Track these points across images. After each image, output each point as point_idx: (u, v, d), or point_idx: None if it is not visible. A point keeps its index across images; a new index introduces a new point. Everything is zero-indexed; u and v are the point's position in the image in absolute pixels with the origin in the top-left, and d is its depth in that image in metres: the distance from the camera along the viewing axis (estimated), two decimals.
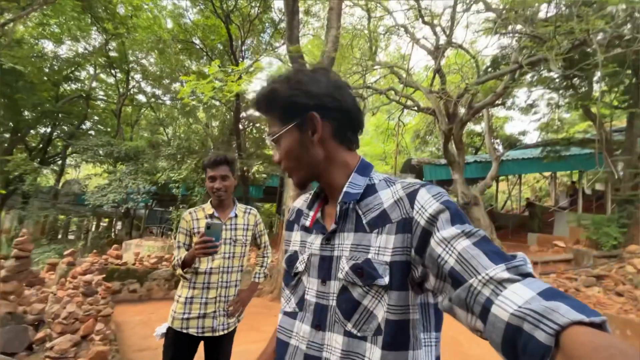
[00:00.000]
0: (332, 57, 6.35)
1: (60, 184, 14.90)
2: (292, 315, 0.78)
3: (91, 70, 15.31)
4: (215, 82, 7.16)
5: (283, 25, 12.43)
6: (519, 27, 9.50)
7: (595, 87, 13.13)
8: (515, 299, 0.43)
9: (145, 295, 5.34)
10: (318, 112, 0.70)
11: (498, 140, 18.61)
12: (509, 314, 0.42)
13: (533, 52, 8.48)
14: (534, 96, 15.56)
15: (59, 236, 14.14)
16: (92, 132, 16.03)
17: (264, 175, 13.15)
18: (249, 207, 2.09)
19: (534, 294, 0.42)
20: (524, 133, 19.88)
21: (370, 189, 0.72)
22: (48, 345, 2.35)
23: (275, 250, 8.06)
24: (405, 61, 14.08)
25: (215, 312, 1.87)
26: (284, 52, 14.52)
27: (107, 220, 19.96)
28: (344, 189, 0.71)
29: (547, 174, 17.19)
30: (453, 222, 0.57)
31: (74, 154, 13.97)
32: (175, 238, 2.03)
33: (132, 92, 15.26)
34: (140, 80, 14.98)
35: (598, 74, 12.60)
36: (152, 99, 15.44)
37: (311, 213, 0.82)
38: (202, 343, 1.91)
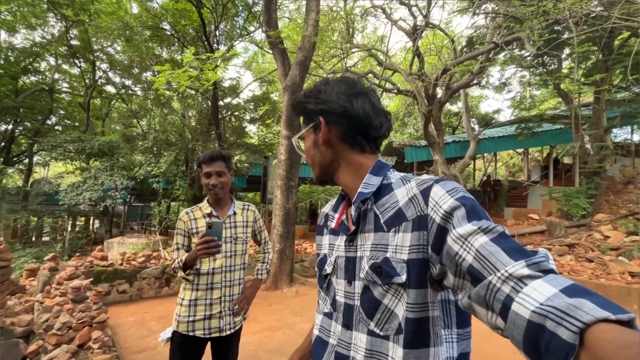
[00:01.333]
0: (313, 42, 6.21)
1: (29, 184, 14.10)
2: (329, 315, 0.81)
3: (52, 60, 14.30)
4: (191, 71, 6.88)
5: (258, 8, 11.96)
6: (493, 7, 9.60)
7: (564, 64, 13.62)
8: (536, 296, 0.42)
9: (136, 295, 5.24)
10: (323, 116, 0.77)
11: (474, 120, 19.11)
12: (531, 312, 0.41)
13: (510, 32, 8.63)
14: (506, 75, 15.97)
15: (33, 239, 13.48)
16: (59, 128, 15.13)
17: (247, 165, 12.95)
18: (246, 203, 2.06)
19: (557, 291, 0.41)
20: (498, 111, 20.48)
21: (387, 188, 0.73)
22: (44, 358, 2.28)
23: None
24: (383, 43, 14.01)
25: (221, 312, 1.86)
26: (260, 37, 14.05)
27: (83, 219, 19.18)
28: (358, 190, 0.73)
29: (520, 150, 17.89)
30: (469, 218, 0.56)
31: (41, 152, 13.18)
32: (166, 241, 1.94)
33: (99, 83, 14.41)
34: (108, 70, 14.13)
35: (566, 51, 13.02)
36: (123, 90, 14.65)
37: (336, 215, 0.85)
38: (209, 344, 1.91)
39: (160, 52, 12.33)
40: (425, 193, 0.64)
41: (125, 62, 12.69)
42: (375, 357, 0.68)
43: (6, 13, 12.07)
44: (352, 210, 0.74)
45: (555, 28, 9.21)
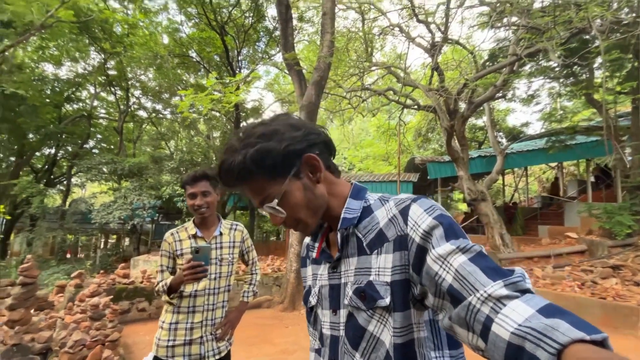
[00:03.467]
0: (328, 62, 6.33)
1: (67, 204, 15.04)
2: (318, 352, 0.78)
3: (91, 89, 15.51)
4: (214, 94, 7.19)
5: (278, 33, 12.48)
6: (514, 19, 9.43)
7: (597, 73, 12.98)
8: (514, 317, 0.43)
9: (154, 314, 5.31)
10: (311, 151, 0.68)
11: (501, 133, 18.45)
12: (510, 333, 0.42)
13: (531, 43, 8.38)
14: (534, 87, 15.43)
15: (68, 256, 14.22)
16: (96, 151, 16.18)
17: None
18: (234, 222, 1.99)
19: (534, 311, 0.42)
20: (526, 124, 19.67)
21: (367, 211, 0.71)
22: None
23: (282, 259, 8.00)
24: (402, 60, 14.05)
25: (202, 337, 1.76)
26: (280, 60, 14.57)
27: (114, 237, 20.08)
28: (342, 216, 0.70)
29: (553, 164, 16.96)
30: (447, 237, 0.56)
31: (79, 173, 14.09)
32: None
33: (132, 108, 15.41)
34: (140, 96, 15.12)
35: (599, 60, 12.46)
36: (153, 114, 15.56)
37: (316, 244, 0.81)
38: None
39: (187, 77, 13.05)
40: (404, 212, 0.64)
41: (156, 88, 13.52)
42: None
43: (54, 49, 13.35)
44: (338, 237, 0.71)
45: (584, 37, 8.85)
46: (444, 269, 0.53)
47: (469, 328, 0.49)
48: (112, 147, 16.56)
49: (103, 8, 9.74)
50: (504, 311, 0.44)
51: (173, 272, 1.83)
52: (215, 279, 1.82)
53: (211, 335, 1.79)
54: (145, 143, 16.90)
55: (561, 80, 13.56)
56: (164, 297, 1.74)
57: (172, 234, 1.88)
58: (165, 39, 12.42)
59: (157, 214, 16.43)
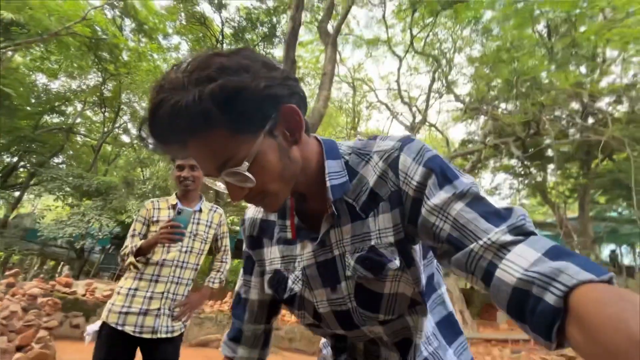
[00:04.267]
0: (321, 114, 6.92)
1: (12, 216, 13.69)
2: (316, 325, 0.71)
3: (79, 106, 15.46)
4: None
5: None
6: (483, 117, 10.84)
7: (550, 179, 14.71)
8: (520, 262, 0.41)
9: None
10: (292, 101, 0.52)
11: None
12: (516, 279, 0.40)
13: (495, 137, 9.60)
14: (497, 180, 17.05)
15: None
16: (63, 166, 15.44)
17: (238, 227, 12.80)
18: (215, 205, 1.99)
19: (540, 255, 0.40)
20: None
21: (350, 171, 0.61)
22: None
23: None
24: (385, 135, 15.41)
25: (159, 309, 1.68)
26: None
27: (52, 263, 18.00)
28: (328, 183, 0.58)
29: None
30: (441, 184, 0.52)
31: (39, 185, 13.20)
32: None
33: (117, 131, 15.31)
34: (128, 121, 15.18)
35: (552, 166, 14.18)
36: (136, 141, 15.47)
37: (287, 222, 0.67)
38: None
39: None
40: (394, 165, 0.58)
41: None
42: (400, 334, 0.66)
43: (54, 62, 13.57)
44: (331, 208, 0.59)
45: (540, 139, 10.24)
46: (441, 219, 0.50)
47: (468, 271, 0.47)
48: (82, 165, 15.91)
49: (117, 34, 10.36)
50: (509, 257, 0.43)
51: (143, 239, 1.78)
52: (186, 252, 1.79)
53: (169, 311, 1.71)
54: (120, 167, 16.42)
55: (520, 178, 15.18)
56: (130, 259, 1.67)
57: (152, 202, 1.89)
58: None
59: (110, 244, 15.20)
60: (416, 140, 0.59)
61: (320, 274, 0.65)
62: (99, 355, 1.61)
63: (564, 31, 6.56)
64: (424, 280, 0.63)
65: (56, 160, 15.05)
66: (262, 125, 0.50)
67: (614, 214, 11.52)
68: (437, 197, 0.51)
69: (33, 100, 13.47)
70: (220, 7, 11.52)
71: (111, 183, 11.10)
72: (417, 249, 0.62)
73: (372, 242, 0.59)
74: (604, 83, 7.88)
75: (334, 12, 8.86)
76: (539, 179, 13.67)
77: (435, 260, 0.72)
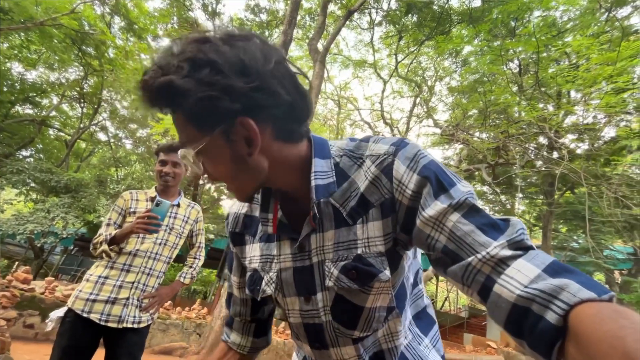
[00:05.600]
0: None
1: None
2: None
3: (55, 99, 14.91)
4: None
5: None
6: (459, 145, 11.40)
7: (519, 207, 15.52)
8: (520, 277, 0.40)
9: (43, 335, 4.42)
10: (250, 115, 0.49)
11: None
12: (516, 295, 0.39)
13: (469, 162, 10.11)
14: None
15: None
16: (31, 160, 14.70)
17: (212, 236, 12.53)
18: (193, 202, 2.03)
19: (539, 271, 0.39)
20: None
21: (340, 173, 0.59)
22: None
23: (208, 313, 7.30)
24: None
25: (128, 298, 1.69)
26: None
27: (6, 261, 16.80)
28: (313, 182, 0.56)
29: None
30: (436, 194, 0.50)
31: (2, 177, 12.48)
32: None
33: (93, 128, 14.82)
34: (107, 119, 14.76)
35: (520, 195, 14.98)
36: (113, 140, 15.02)
37: (270, 215, 0.63)
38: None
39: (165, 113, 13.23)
40: (388, 172, 0.55)
41: (127, 115, 13.41)
42: (371, 351, 0.64)
43: (34, 51, 13.11)
44: (314, 209, 0.57)
45: (513, 172, 10.86)
46: (437, 230, 0.49)
47: (464, 284, 0.46)
48: (51, 160, 15.19)
49: (106, 30, 10.22)
50: (508, 272, 0.41)
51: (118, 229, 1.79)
52: (160, 244, 1.81)
53: (137, 301, 1.72)
54: (94, 165, 15.80)
55: (491, 205, 15.88)
56: (103, 247, 1.67)
57: (130, 193, 1.91)
58: None
59: (73, 245, 14.42)
60: (410, 144, 0.57)
61: (295, 281, 0.62)
62: (61, 341, 1.57)
63: (533, 71, 7.16)
64: (405, 280, 0.62)
65: (24, 153, 14.32)
66: (213, 128, 0.49)
67: (575, 245, 12.23)
68: (432, 207, 0.50)
69: (5, 89, 12.89)
70: (214, 15, 11.68)
71: (82, 180, 10.66)
72: (409, 254, 0.61)
73: (359, 251, 0.57)
74: (568, 121, 8.57)
75: (324, 31, 9.21)
76: (508, 206, 14.41)
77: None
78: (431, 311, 0.74)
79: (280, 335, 7.10)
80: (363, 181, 0.57)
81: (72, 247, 14.40)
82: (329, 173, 0.57)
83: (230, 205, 0.76)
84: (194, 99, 0.46)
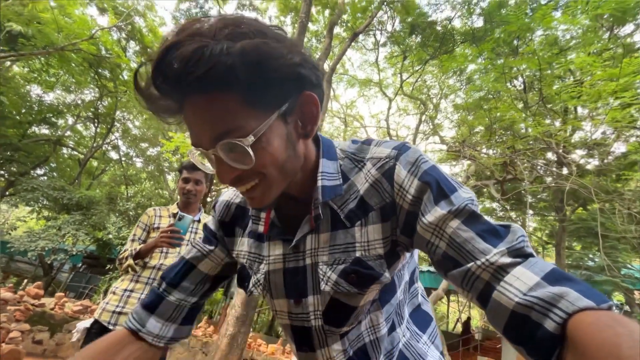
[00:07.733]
0: None
1: None
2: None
3: (70, 119, 15.43)
4: None
5: None
6: (467, 161, 11.42)
7: (530, 225, 15.24)
8: (519, 285, 0.40)
9: (51, 351, 4.41)
10: (315, 90, 0.48)
11: None
12: (515, 303, 0.39)
13: (477, 179, 10.07)
14: None
15: None
16: (45, 178, 15.08)
17: None
18: None
19: (539, 279, 0.39)
20: None
21: (342, 175, 0.58)
22: None
23: (214, 331, 7.22)
24: None
25: None
26: None
27: (14, 279, 16.94)
28: (319, 183, 0.55)
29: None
30: (437, 200, 0.50)
31: (14, 195, 12.80)
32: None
33: (106, 147, 15.23)
34: (119, 138, 15.18)
35: (530, 212, 14.78)
36: (124, 159, 15.38)
37: (262, 213, 0.63)
38: None
39: (176, 130, 13.58)
40: (389, 176, 0.55)
41: (139, 135, 13.78)
42: (357, 342, 0.63)
43: (52, 75, 13.71)
44: (317, 209, 0.56)
45: (522, 189, 10.78)
46: (437, 236, 0.49)
47: (464, 289, 0.46)
48: (64, 178, 15.56)
49: (121, 54, 10.70)
50: (507, 279, 0.41)
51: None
52: None
53: None
54: (105, 182, 16.14)
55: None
56: (129, 261, 1.74)
57: (154, 209, 2.00)
58: None
59: (82, 263, 14.53)
60: (412, 149, 0.56)
61: (285, 283, 0.60)
62: None
63: (538, 88, 7.24)
64: (395, 277, 0.62)
65: (39, 171, 14.72)
66: (279, 105, 0.45)
67: (590, 263, 11.88)
68: (432, 214, 0.49)
69: (24, 110, 13.42)
70: None
71: (93, 197, 10.88)
72: (407, 253, 0.61)
73: (358, 254, 0.56)
74: (577, 137, 8.55)
75: (330, 52, 9.50)
76: (519, 223, 14.17)
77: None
78: (427, 308, 0.74)
79: (287, 355, 6.95)
80: (363, 184, 0.57)
81: (80, 265, 14.49)
82: (336, 175, 0.57)
83: (223, 193, 0.72)
84: (275, 67, 0.41)
